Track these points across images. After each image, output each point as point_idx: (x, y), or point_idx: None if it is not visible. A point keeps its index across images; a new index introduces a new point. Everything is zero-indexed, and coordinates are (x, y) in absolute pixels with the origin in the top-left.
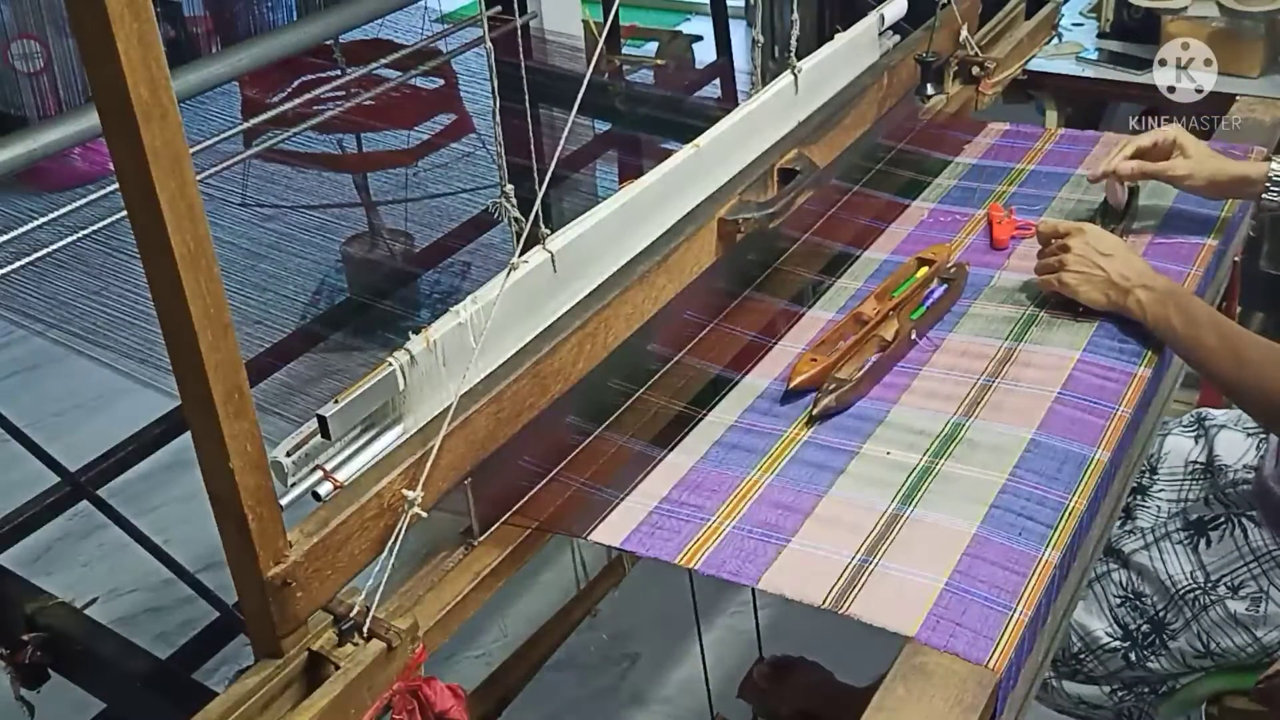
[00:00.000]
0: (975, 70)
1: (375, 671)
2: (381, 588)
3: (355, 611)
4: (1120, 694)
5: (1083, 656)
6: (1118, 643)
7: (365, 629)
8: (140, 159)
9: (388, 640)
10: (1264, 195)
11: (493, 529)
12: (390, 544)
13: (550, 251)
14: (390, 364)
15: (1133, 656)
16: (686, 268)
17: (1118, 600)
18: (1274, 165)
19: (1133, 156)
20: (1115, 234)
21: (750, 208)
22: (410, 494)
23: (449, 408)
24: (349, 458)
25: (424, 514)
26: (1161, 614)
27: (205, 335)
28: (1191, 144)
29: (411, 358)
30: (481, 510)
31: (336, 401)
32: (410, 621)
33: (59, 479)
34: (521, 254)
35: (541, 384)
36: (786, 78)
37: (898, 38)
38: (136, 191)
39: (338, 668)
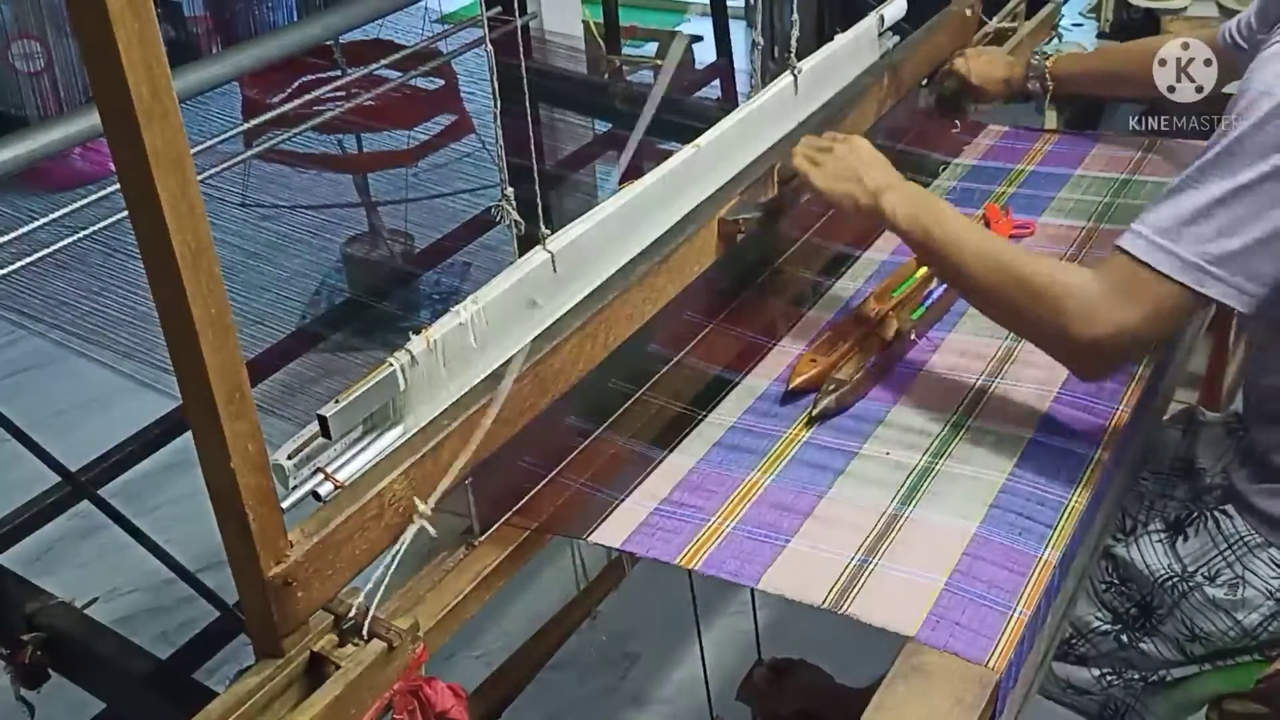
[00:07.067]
0: None
1: (376, 671)
2: (382, 588)
3: (355, 612)
4: (1109, 679)
5: (1074, 641)
6: (1108, 625)
7: (366, 629)
8: (141, 159)
9: (388, 640)
10: (1029, 83)
11: (493, 529)
12: (395, 552)
13: (550, 252)
14: (391, 364)
15: (1124, 638)
16: (687, 268)
17: (1104, 587)
18: (1033, 55)
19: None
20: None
21: (750, 208)
22: (422, 505)
23: (449, 408)
24: (350, 458)
25: (433, 531)
26: (1147, 599)
27: (206, 336)
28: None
29: (412, 358)
30: (482, 510)
31: (337, 401)
32: (411, 621)
33: (59, 479)
34: (521, 255)
35: (542, 385)
36: (786, 78)
37: (897, 38)
38: (137, 192)
39: (338, 668)
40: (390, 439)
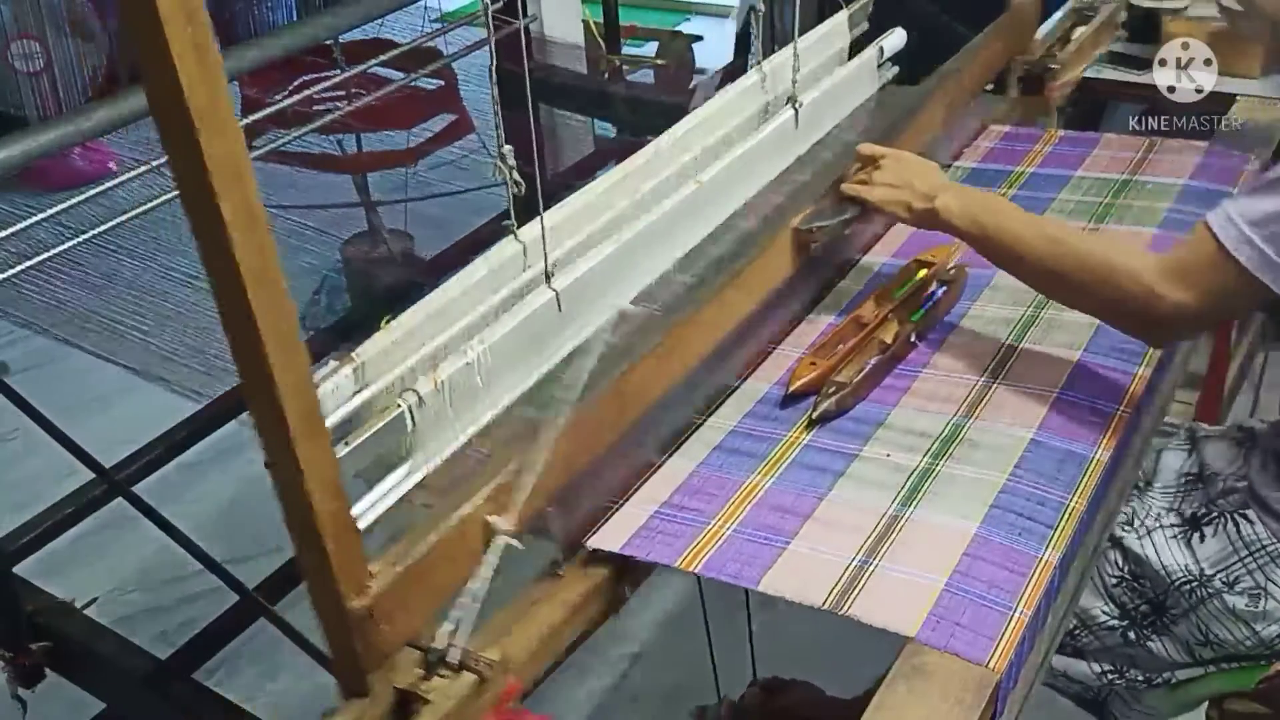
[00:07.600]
0: (1044, 75)
1: (467, 705)
2: (469, 619)
3: (443, 643)
4: (1110, 676)
5: (1078, 633)
6: (1115, 621)
7: (455, 661)
8: (201, 170)
9: (479, 672)
10: None
11: (578, 555)
12: (480, 577)
13: (555, 290)
14: (399, 405)
15: (1132, 635)
16: (762, 281)
17: (1114, 580)
18: None
19: None
20: None
21: (825, 215)
22: (503, 524)
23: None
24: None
25: (520, 545)
26: (1161, 598)
27: (277, 355)
28: None
29: (419, 399)
30: (566, 537)
31: (346, 444)
32: (500, 653)
33: (69, 479)
34: (519, 224)
35: (622, 402)
36: (787, 111)
37: (896, 68)
38: (198, 204)
39: (427, 703)
40: (398, 476)
